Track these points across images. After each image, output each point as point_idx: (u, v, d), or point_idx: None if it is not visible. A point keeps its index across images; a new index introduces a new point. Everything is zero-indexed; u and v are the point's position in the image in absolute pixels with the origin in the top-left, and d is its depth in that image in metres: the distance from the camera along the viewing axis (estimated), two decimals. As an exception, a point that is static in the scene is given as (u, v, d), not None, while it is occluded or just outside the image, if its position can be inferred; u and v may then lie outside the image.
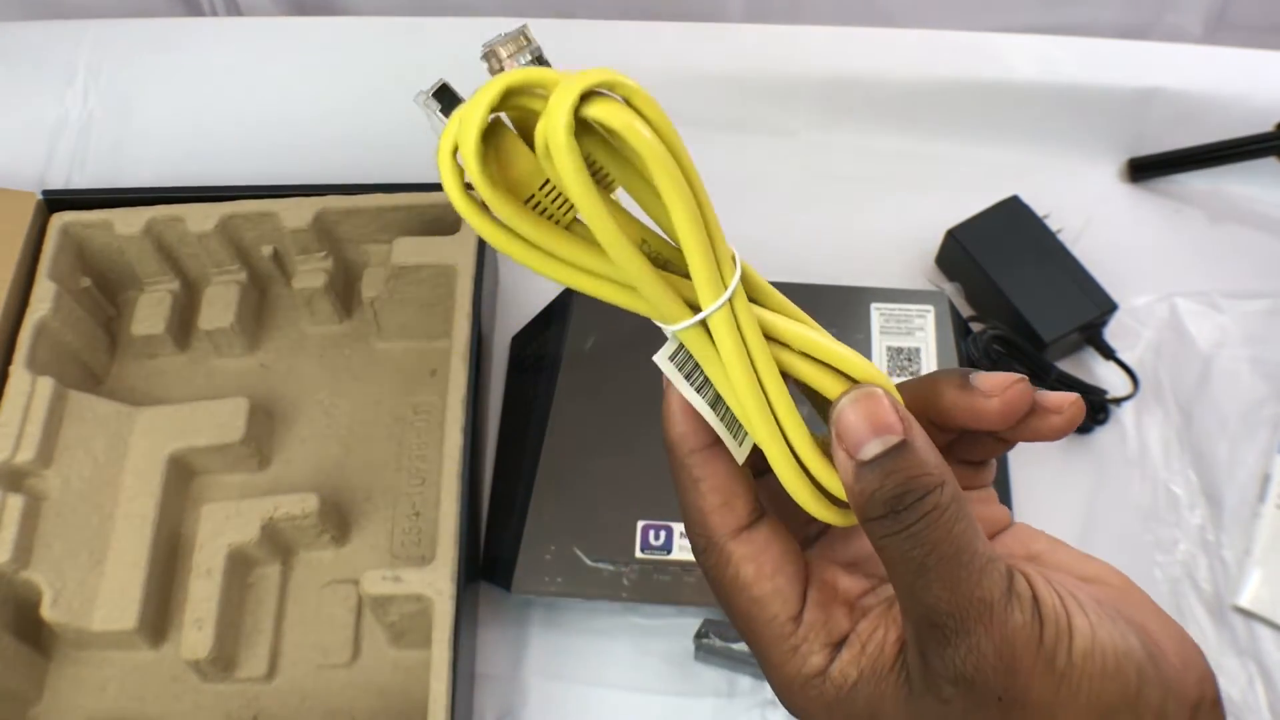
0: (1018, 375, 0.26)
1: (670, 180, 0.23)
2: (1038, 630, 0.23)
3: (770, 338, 0.25)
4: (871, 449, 0.24)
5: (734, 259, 0.25)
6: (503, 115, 0.23)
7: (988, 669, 0.23)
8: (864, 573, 0.28)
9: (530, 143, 0.23)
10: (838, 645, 0.26)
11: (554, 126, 0.21)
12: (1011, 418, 0.26)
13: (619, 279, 0.24)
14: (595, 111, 0.22)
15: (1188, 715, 0.24)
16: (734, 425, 0.26)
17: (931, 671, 0.24)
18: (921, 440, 0.24)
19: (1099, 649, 0.23)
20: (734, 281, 0.24)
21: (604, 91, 0.22)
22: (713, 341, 0.24)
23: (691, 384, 0.25)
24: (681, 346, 0.25)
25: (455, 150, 0.22)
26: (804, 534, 0.29)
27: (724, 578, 0.26)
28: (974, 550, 0.23)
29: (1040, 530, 0.28)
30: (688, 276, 0.24)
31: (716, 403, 0.25)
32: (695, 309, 0.24)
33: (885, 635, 0.25)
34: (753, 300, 0.25)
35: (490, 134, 0.23)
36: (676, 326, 0.24)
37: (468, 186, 0.23)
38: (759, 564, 0.26)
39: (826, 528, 0.29)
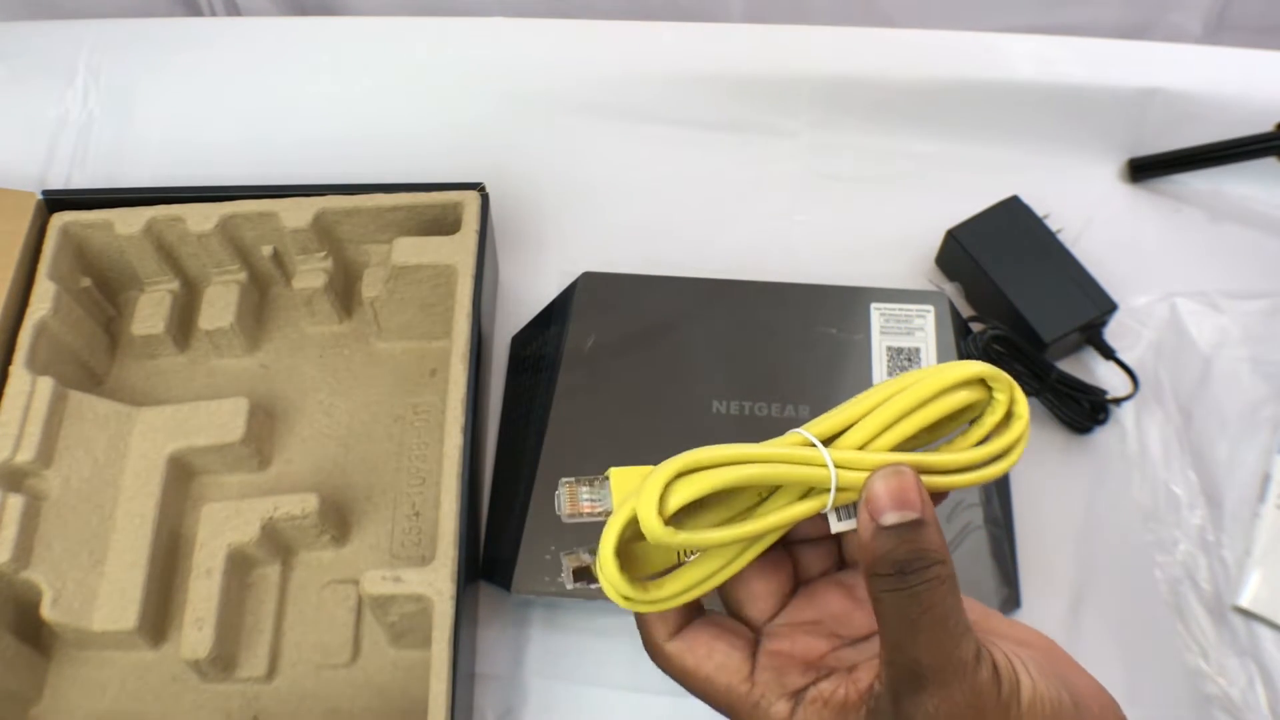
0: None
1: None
2: (997, 687, 0.28)
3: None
4: (892, 517, 0.28)
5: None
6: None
7: (957, 717, 0.28)
8: (824, 633, 0.33)
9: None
10: (794, 695, 0.30)
11: (653, 532, 0.28)
12: None
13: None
14: (674, 504, 0.28)
15: None
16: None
17: (902, 713, 0.28)
18: (934, 521, 0.29)
19: (1039, 700, 0.28)
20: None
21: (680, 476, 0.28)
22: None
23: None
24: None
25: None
26: (768, 606, 0.34)
27: (677, 672, 0.32)
28: (958, 618, 0.28)
29: (972, 600, 0.33)
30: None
31: None
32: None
33: (847, 692, 0.30)
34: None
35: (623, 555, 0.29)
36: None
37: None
38: (694, 652, 0.32)
39: (789, 599, 0.34)
